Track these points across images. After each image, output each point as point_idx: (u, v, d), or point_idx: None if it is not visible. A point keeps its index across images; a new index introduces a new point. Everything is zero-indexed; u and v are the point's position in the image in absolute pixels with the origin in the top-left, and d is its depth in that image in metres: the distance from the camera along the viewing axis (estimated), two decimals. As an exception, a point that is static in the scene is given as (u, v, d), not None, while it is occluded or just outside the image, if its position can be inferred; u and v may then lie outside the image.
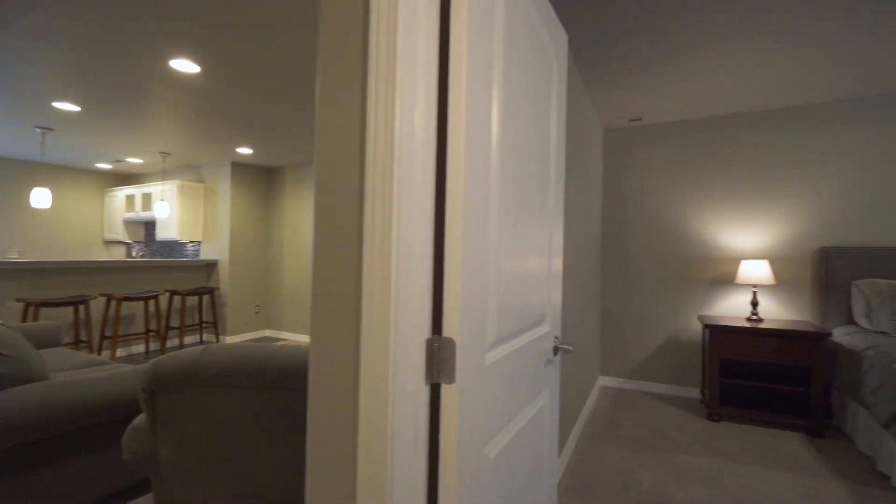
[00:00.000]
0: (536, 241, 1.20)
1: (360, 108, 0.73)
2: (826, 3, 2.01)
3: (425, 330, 0.75)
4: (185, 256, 6.03)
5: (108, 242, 6.87)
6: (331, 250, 0.74)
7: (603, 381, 3.92)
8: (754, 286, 3.25)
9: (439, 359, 0.78)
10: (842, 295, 3.09)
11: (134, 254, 6.76)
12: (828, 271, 3.13)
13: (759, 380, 3.05)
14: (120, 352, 4.78)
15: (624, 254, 3.87)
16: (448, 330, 0.78)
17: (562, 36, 1.39)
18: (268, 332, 6.05)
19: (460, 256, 0.79)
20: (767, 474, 2.33)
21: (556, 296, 1.40)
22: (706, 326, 3.10)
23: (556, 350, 1.37)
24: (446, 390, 0.78)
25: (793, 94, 3.09)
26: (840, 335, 2.92)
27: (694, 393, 3.60)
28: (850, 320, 3.06)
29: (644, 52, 2.49)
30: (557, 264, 1.41)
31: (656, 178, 3.76)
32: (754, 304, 3.21)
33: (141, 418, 1.37)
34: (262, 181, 5.97)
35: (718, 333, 3.04)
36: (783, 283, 3.34)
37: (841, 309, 3.09)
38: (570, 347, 1.34)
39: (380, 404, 0.68)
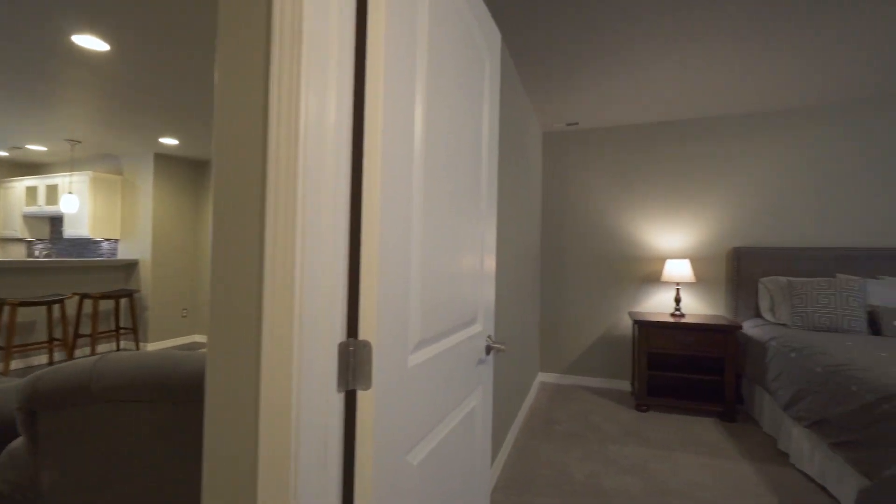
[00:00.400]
0: (467, 240, 1.18)
1: (262, 93, 0.66)
2: (748, 27, 2.19)
3: (338, 333, 0.70)
4: (101, 256, 5.46)
5: (4, 240, 6.07)
6: (230, 247, 0.67)
7: (542, 377, 4.03)
8: (678, 284, 3.48)
9: (354, 363, 0.73)
10: (751, 291, 3.39)
11: (37, 253, 6.03)
12: (739, 269, 3.43)
13: (682, 371, 3.28)
14: (18, 364, 4.23)
15: (562, 254, 4.01)
16: (364, 332, 0.73)
17: (495, 32, 1.39)
18: (197, 338, 5.63)
19: (377, 254, 0.74)
20: (687, 459, 2.50)
21: (489, 295, 1.40)
22: (635, 322, 3.27)
23: (488, 349, 1.36)
24: (362, 397, 0.73)
25: (712, 107, 3.34)
26: (749, 327, 3.21)
27: (625, 385, 3.80)
28: (758, 314, 3.36)
29: (579, 60, 2.58)
30: (490, 263, 1.41)
31: (591, 181, 3.93)
32: (677, 300, 3.44)
33: (18, 442, 1.19)
34: (189, 175, 5.54)
35: (646, 328, 3.23)
36: (702, 280, 3.61)
37: (750, 303, 3.40)
38: (503, 347, 1.34)
39: (282, 414, 0.62)
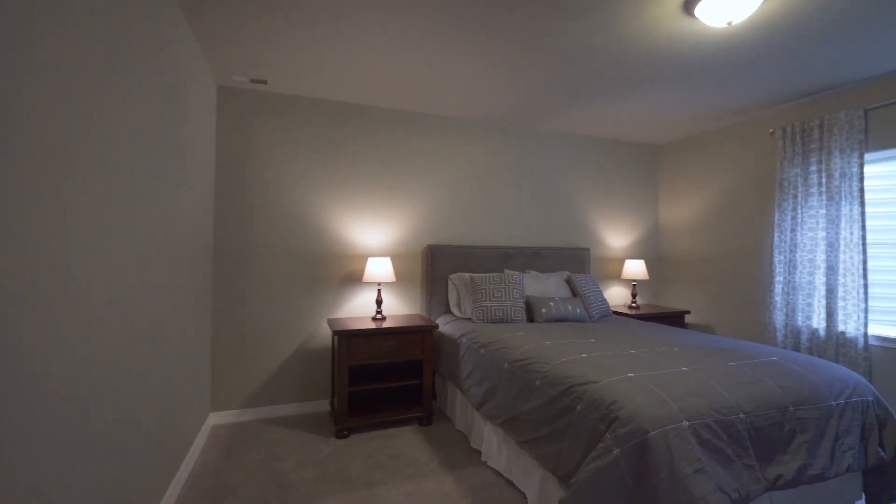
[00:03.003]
0: None
1: None
2: (445, 38, 1.94)
3: None
4: None
5: None
6: None
7: (216, 418, 2.96)
8: (379, 284, 3.19)
9: None
10: (442, 287, 3.48)
11: None
12: (433, 266, 3.46)
13: (384, 380, 2.98)
14: None
15: (247, 252, 3.06)
16: None
17: None
18: None
19: None
20: (393, 494, 2.11)
21: None
22: (335, 332, 2.74)
23: None
24: None
25: (416, 102, 3.20)
26: (442, 324, 3.24)
27: (325, 406, 3.24)
28: (448, 310, 3.48)
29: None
30: None
31: (287, 159, 3.16)
32: (379, 301, 3.14)
33: None
34: None
35: (346, 339, 2.74)
36: (402, 278, 3.47)
37: (442, 300, 3.48)
38: None
39: None
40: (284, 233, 3.14)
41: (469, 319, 3.19)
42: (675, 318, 3.82)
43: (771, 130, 3.36)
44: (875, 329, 2.82)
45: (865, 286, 2.76)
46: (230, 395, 3.00)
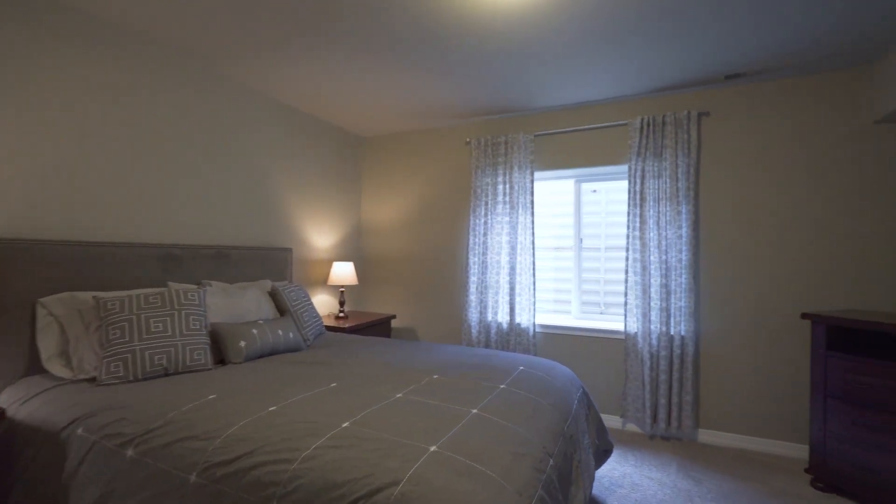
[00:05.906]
0: None
1: None
2: None
3: None
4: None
5: None
6: None
7: None
8: None
9: None
10: (21, 325, 1.76)
11: None
12: (-6, 284, 1.69)
13: None
14: None
15: None
16: None
17: None
18: None
19: None
20: None
21: None
22: None
23: None
24: None
25: None
26: (20, 403, 1.59)
27: None
28: (35, 368, 1.79)
29: None
30: None
31: None
32: None
33: None
34: None
35: None
36: None
37: (17, 351, 1.75)
38: None
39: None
40: None
41: (91, 381, 1.70)
42: (383, 325, 3.52)
43: (467, 140, 3.58)
44: (538, 318, 3.40)
45: (534, 283, 3.26)
46: None
